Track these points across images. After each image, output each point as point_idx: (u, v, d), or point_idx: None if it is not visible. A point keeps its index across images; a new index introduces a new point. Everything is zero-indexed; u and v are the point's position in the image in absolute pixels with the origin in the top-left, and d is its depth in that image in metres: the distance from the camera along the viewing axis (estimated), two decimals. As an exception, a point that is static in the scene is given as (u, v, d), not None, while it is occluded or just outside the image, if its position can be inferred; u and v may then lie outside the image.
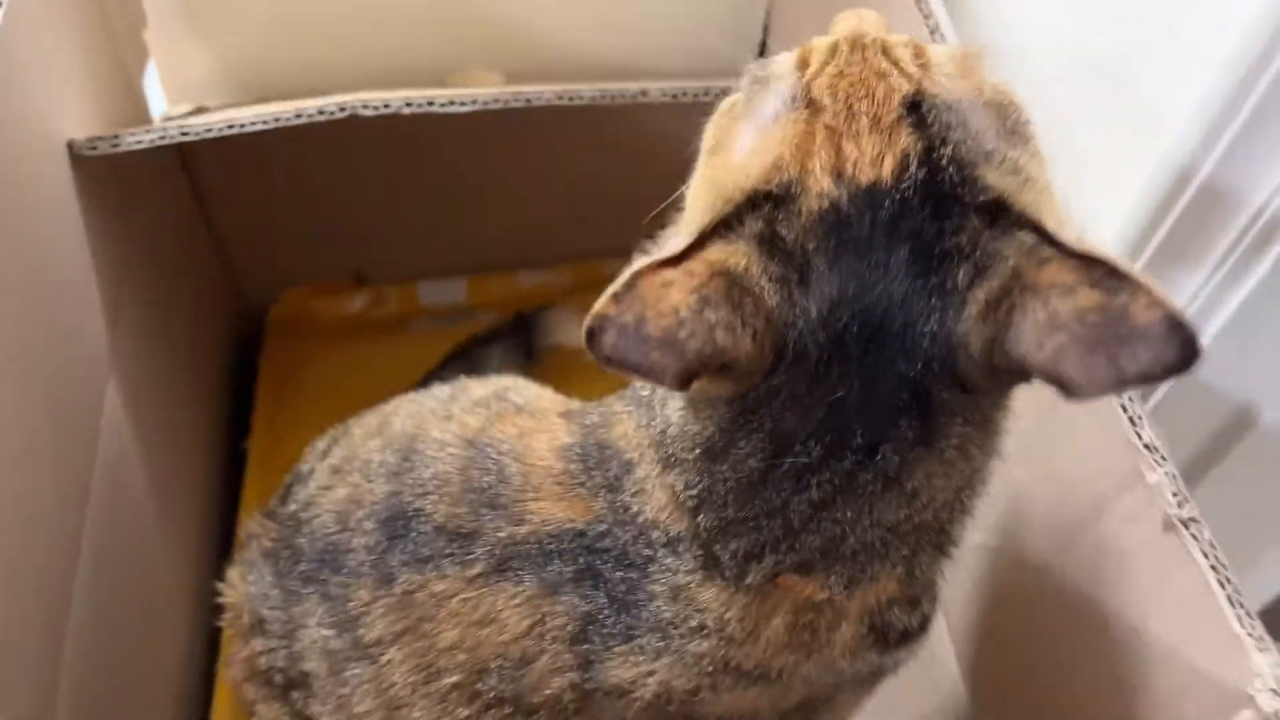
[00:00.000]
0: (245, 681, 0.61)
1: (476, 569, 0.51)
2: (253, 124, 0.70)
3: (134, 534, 0.79)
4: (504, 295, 1.17)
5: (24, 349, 0.61)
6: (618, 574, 0.48)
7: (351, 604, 0.54)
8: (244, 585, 0.61)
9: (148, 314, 0.84)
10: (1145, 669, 0.49)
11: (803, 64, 0.43)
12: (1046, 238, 0.37)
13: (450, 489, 0.53)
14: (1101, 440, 0.50)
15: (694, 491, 0.46)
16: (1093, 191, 0.60)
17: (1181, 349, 0.34)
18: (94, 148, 0.69)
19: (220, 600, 0.63)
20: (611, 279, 1.21)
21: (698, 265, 0.39)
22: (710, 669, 0.48)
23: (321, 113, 0.71)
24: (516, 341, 1.03)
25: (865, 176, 0.39)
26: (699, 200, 0.42)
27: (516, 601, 0.50)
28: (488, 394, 0.59)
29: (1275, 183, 0.53)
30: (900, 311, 0.38)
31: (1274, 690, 0.42)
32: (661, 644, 0.48)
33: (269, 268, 1.14)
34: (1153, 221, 0.56)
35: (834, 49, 0.43)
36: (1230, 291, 0.56)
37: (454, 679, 0.51)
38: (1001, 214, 0.38)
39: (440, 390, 0.62)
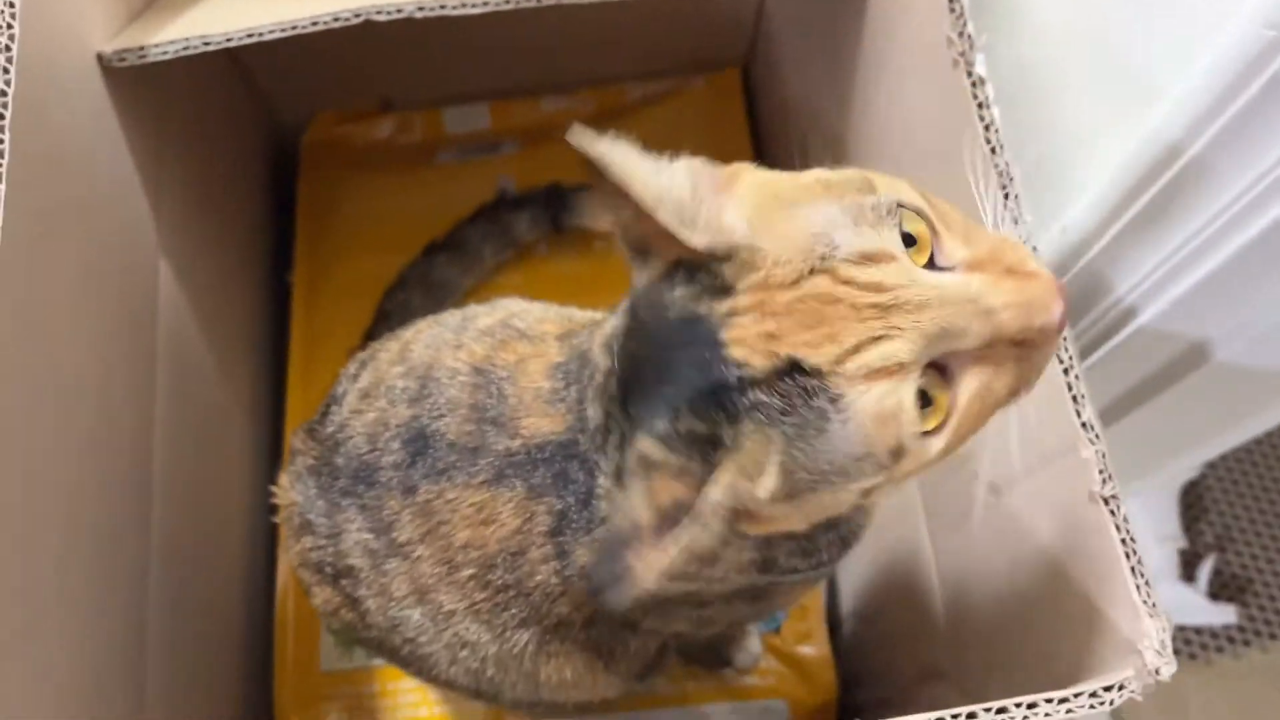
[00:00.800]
0: (301, 568, 0.72)
1: (480, 478, 0.59)
2: (270, 32, 0.72)
3: (197, 391, 0.88)
4: (526, 122, 1.19)
5: (81, 250, 0.67)
6: (580, 476, 0.57)
7: (385, 512, 0.63)
8: (293, 493, 0.70)
9: (187, 171, 0.88)
10: (1068, 600, 0.57)
11: (912, 240, 0.44)
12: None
13: (461, 410, 0.61)
14: (1049, 409, 0.56)
15: (598, 380, 0.54)
16: (1085, 146, 0.63)
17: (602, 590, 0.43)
18: (123, 59, 0.72)
19: (275, 501, 0.73)
20: (633, 107, 1.20)
21: (650, 206, 0.44)
22: None
23: (336, 19, 0.72)
24: (547, 211, 1.06)
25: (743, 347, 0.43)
26: (747, 199, 0.46)
27: (511, 504, 0.59)
28: (494, 323, 0.65)
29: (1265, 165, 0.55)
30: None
31: (1156, 651, 0.50)
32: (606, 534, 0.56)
33: (298, 96, 1.16)
34: (1137, 187, 0.59)
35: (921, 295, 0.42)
36: (1207, 253, 0.59)
37: (470, 571, 0.61)
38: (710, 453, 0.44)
39: (452, 317, 0.69)
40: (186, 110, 0.91)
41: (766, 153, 1.15)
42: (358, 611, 0.68)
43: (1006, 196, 0.58)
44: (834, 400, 0.41)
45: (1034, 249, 0.57)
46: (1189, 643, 1.34)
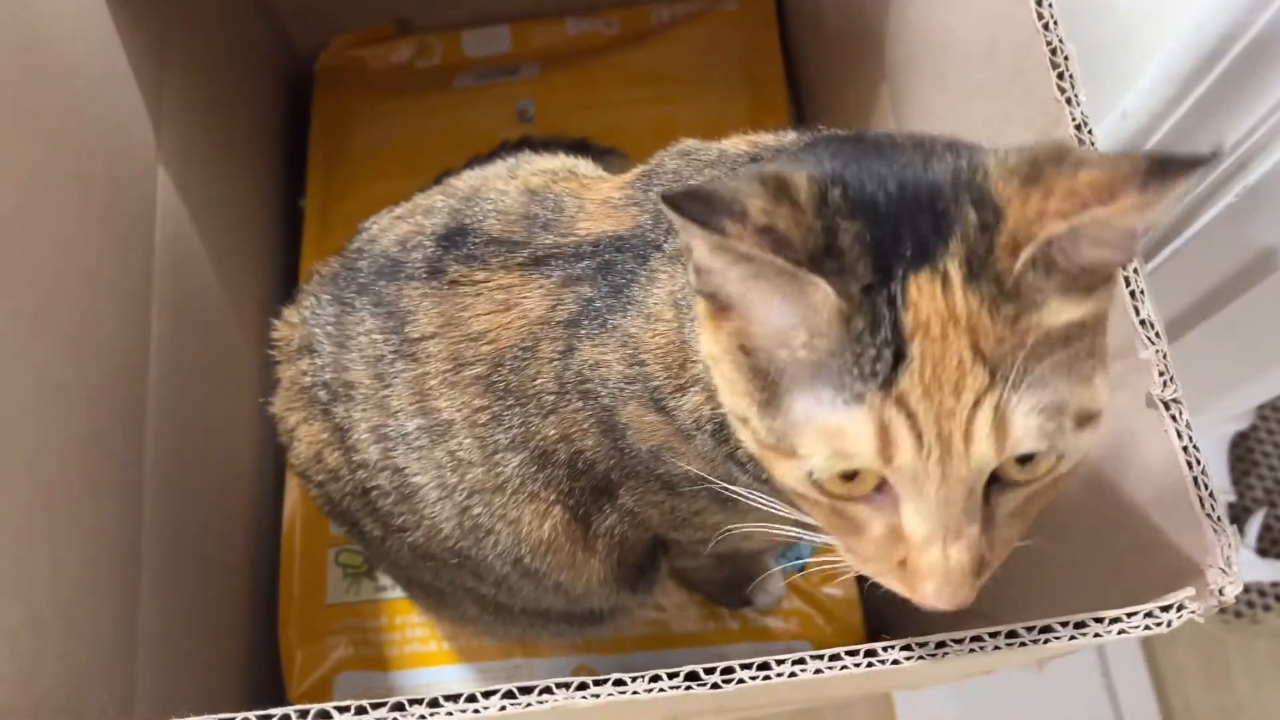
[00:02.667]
0: (287, 410, 0.69)
1: (516, 261, 0.57)
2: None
3: (200, 312, 0.85)
4: (548, 44, 1.14)
5: (63, 139, 0.64)
6: (628, 265, 0.53)
7: (403, 303, 0.60)
8: (298, 315, 0.68)
9: (192, 85, 0.85)
10: (1121, 523, 0.52)
11: None
12: None
13: (509, 216, 0.59)
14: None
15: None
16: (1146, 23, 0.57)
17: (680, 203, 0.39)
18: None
19: (273, 334, 0.70)
20: (660, 29, 1.15)
21: None
22: (630, 354, 0.53)
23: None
24: None
25: None
26: None
27: (541, 290, 0.56)
28: (555, 166, 0.63)
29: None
30: None
31: (1222, 569, 0.45)
32: (621, 320, 0.53)
33: (312, 16, 1.12)
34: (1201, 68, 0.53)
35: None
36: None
37: (476, 370, 0.58)
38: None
39: (503, 162, 0.66)
40: (192, 22, 0.87)
41: (799, 76, 1.10)
42: (344, 448, 0.65)
43: (1060, 76, 0.52)
44: None
45: (1091, 134, 0.51)
46: (1235, 600, 1.28)
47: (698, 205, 0.37)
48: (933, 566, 0.41)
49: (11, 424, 0.54)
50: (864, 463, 0.40)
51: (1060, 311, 0.39)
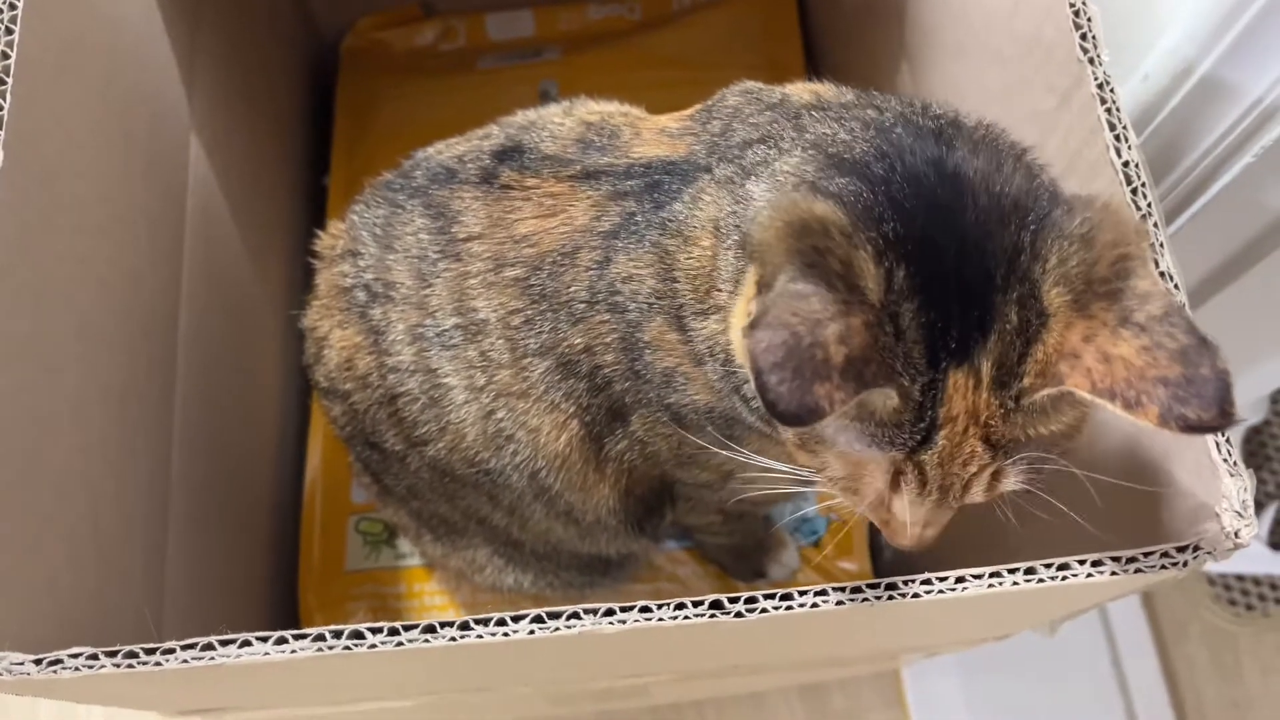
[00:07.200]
0: (320, 319, 0.70)
1: (569, 174, 0.59)
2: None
3: (227, 278, 0.86)
4: (571, 29, 1.15)
5: (104, 93, 0.65)
6: (674, 185, 0.56)
7: (454, 204, 0.62)
8: (347, 221, 0.70)
9: (223, 61, 0.86)
10: (1133, 469, 0.53)
11: None
12: None
13: (565, 140, 0.61)
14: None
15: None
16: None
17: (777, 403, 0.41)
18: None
19: (314, 245, 0.73)
20: (681, 14, 1.16)
21: None
22: (664, 269, 0.55)
23: None
24: None
25: None
26: None
27: (589, 201, 0.58)
28: (611, 109, 0.65)
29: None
30: None
31: (1237, 512, 0.46)
32: (659, 237, 0.55)
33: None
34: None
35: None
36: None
37: (516, 272, 0.60)
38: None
39: (561, 103, 0.67)
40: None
41: (819, 60, 1.11)
42: (378, 351, 0.66)
43: (1084, 37, 0.53)
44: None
45: (1113, 93, 0.52)
46: (1246, 593, 1.29)
47: (792, 386, 0.39)
48: (911, 538, 0.49)
49: (56, 366, 0.56)
50: (871, 493, 0.47)
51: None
